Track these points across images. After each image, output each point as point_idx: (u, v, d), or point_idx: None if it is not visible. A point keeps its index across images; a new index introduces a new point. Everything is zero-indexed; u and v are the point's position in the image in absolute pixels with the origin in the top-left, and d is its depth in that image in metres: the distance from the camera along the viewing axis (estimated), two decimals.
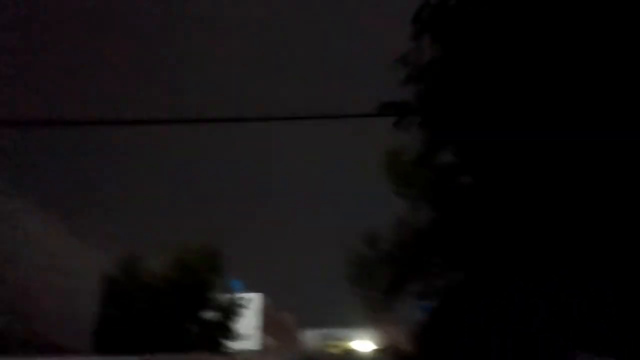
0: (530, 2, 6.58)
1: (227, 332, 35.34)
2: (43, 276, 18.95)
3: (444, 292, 20.53)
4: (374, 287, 23.45)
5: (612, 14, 6.04)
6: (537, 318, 9.27)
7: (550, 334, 8.92)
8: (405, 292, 22.83)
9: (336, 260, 24.40)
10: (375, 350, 68.27)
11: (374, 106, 7.65)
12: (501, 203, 7.83)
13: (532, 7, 6.56)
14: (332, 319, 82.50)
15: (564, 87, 6.23)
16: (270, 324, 74.19)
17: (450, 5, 7.57)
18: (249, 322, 47.10)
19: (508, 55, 6.65)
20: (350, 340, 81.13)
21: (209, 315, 34.67)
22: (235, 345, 36.83)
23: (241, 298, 37.19)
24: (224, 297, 35.90)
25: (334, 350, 79.11)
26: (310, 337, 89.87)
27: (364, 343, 76.46)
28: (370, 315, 25.01)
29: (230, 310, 35.51)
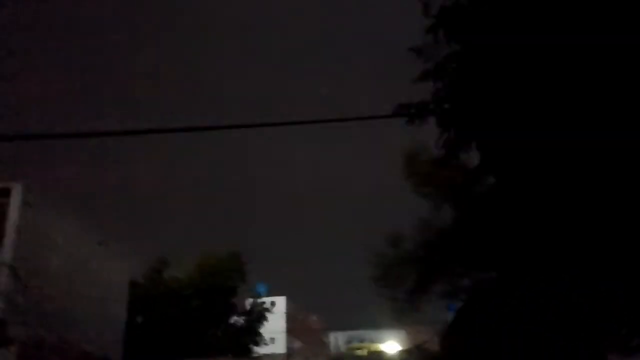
0: None
1: (253, 336, 35.47)
2: (72, 284, 19.21)
3: (469, 292, 20.41)
4: (400, 288, 23.34)
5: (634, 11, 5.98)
6: (555, 318, 9.20)
7: (568, 333, 8.84)
8: (431, 292, 22.70)
9: (361, 262, 24.27)
10: (402, 351, 67.98)
11: (393, 106, 7.65)
12: (524, 202, 7.79)
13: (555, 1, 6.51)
14: (358, 321, 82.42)
15: (591, 84, 6.17)
16: (296, 326, 74.39)
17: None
18: (275, 326, 47.22)
19: (530, 51, 6.60)
20: (377, 341, 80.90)
21: (235, 319, 34.84)
22: (261, 349, 36.96)
23: (267, 302, 37.32)
24: (249, 301, 36.06)
25: (360, 352, 78.93)
26: (337, 339, 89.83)
27: (390, 344, 76.19)
28: (397, 316, 24.84)
29: (256, 314, 35.63)
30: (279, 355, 65.85)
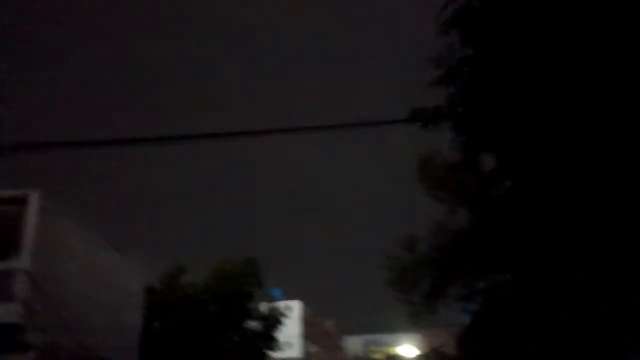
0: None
1: (269, 340, 35.47)
2: (89, 291, 19.34)
3: (485, 295, 20.30)
4: (415, 291, 23.27)
5: None
6: (571, 320, 9.11)
7: (584, 336, 8.75)
8: (446, 295, 22.61)
9: (376, 266, 24.24)
10: (418, 355, 67.66)
11: (408, 111, 7.63)
12: (540, 205, 7.73)
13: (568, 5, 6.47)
14: (373, 325, 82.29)
15: (604, 86, 6.13)
16: (311, 331, 74.25)
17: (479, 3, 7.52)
18: (290, 330, 47.19)
19: (546, 55, 6.56)
20: (393, 345, 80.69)
21: (251, 324, 34.85)
22: (277, 353, 36.95)
23: (282, 306, 37.30)
24: (265, 306, 36.07)
25: (377, 356, 78.63)
26: (353, 343, 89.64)
27: (407, 348, 75.94)
28: (412, 319, 24.75)
29: (272, 319, 35.63)
30: (296, 359, 65.80)
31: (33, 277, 16.58)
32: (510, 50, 6.90)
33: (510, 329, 13.22)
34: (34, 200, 17.52)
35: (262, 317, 35.35)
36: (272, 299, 37.74)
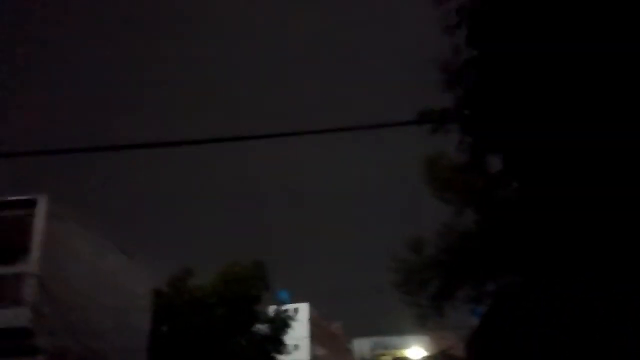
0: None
1: (276, 344, 35.47)
2: (97, 294, 19.39)
3: (494, 296, 20.21)
4: (423, 294, 23.21)
5: None
6: (582, 322, 9.05)
7: (595, 337, 8.69)
8: (455, 297, 22.53)
9: (383, 268, 24.18)
10: (427, 357, 67.40)
11: (409, 112, 7.63)
12: (548, 205, 7.70)
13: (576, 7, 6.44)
14: (381, 327, 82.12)
15: (612, 85, 6.09)
16: (319, 333, 74.21)
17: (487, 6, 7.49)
18: (298, 333, 47.19)
19: (553, 56, 6.53)
20: (402, 347, 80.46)
21: (259, 327, 34.87)
22: (285, 356, 36.95)
23: (290, 309, 37.31)
24: (272, 309, 36.08)
25: (385, 359, 78.34)
26: (361, 346, 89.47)
27: (415, 350, 75.69)
28: (420, 321, 24.67)
29: (279, 322, 35.63)
30: None
31: (42, 281, 16.64)
32: (517, 50, 6.88)
33: (519, 331, 13.14)
34: (42, 204, 17.60)
35: (270, 320, 35.36)
36: (280, 302, 37.77)
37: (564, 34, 6.41)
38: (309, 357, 66.81)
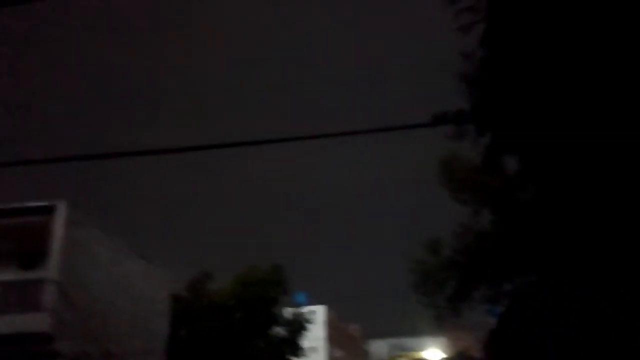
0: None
1: (294, 347, 35.48)
2: (116, 299, 19.55)
3: (511, 296, 20.09)
4: (440, 294, 23.12)
5: None
6: (603, 322, 8.97)
7: (617, 338, 8.60)
8: (472, 298, 22.43)
9: (399, 269, 24.15)
10: (444, 359, 67.06)
11: (429, 115, 7.60)
12: (564, 207, 7.66)
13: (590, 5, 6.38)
14: (398, 329, 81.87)
15: (630, 85, 6.04)
16: (336, 335, 74.12)
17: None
18: (315, 335, 47.20)
19: (572, 54, 6.47)
20: (419, 349, 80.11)
21: (276, 330, 34.91)
22: (302, 359, 36.95)
23: (306, 311, 37.29)
24: (289, 312, 36.11)
25: None
26: (378, 348, 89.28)
27: (432, 352, 75.34)
28: (437, 322, 24.56)
29: (297, 324, 35.64)
30: None
31: (61, 287, 16.83)
32: (534, 47, 6.83)
33: (536, 331, 13.06)
34: (61, 211, 17.79)
35: (287, 323, 35.39)
36: (297, 304, 37.78)
37: (585, 30, 6.35)
38: (326, 359, 66.77)
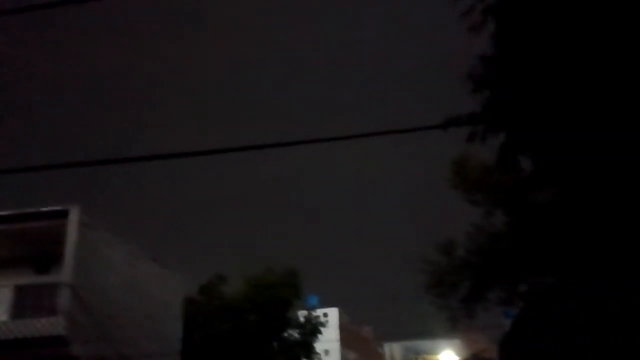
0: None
1: (308, 348, 35.47)
2: (129, 302, 19.61)
3: (526, 298, 19.95)
4: (454, 296, 23.02)
5: None
6: (619, 324, 8.85)
7: (634, 340, 8.48)
8: (486, 299, 22.31)
9: (413, 271, 23.99)
10: None
11: (439, 115, 7.55)
12: (580, 207, 7.58)
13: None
14: (412, 330, 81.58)
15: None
16: (349, 337, 74.05)
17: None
18: (328, 337, 47.14)
19: (586, 54, 6.40)
20: (433, 352, 79.76)
21: (289, 333, 34.92)
22: None
23: (319, 314, 37.27)
24: (303, 314, 36.11)
25: None
26: (392, 350, 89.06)
27: (448, 355, 74.98)
28: (452, 324, 24.44)
29: (310, 327, 35.62)
30: None
31: (75, 290, 16.92)
32: (547, 47, 6.76)
33: (552, 333, 12.94)
34: (75, 215, 17.88)
35: (300, 326, 35.38)
36: (309, 307, 37.76)
37: (600, 28, 6.27)
38: None
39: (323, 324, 36.60)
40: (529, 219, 16.45)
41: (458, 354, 71.08)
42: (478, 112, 7.47)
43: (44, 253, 18.70)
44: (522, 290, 20.98)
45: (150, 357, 19.50)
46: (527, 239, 16.74)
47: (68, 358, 16.38)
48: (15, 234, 18.40)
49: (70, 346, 16.39)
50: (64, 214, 17.88)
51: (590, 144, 6.52)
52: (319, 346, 36.81)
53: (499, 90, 7.43)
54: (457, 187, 21.33)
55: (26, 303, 16.92)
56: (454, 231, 22.99)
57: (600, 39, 6.29)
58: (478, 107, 7.53)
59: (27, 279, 18.36)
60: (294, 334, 34.99)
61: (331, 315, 60.95)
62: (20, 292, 17.18)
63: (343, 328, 72.64)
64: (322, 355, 39.72)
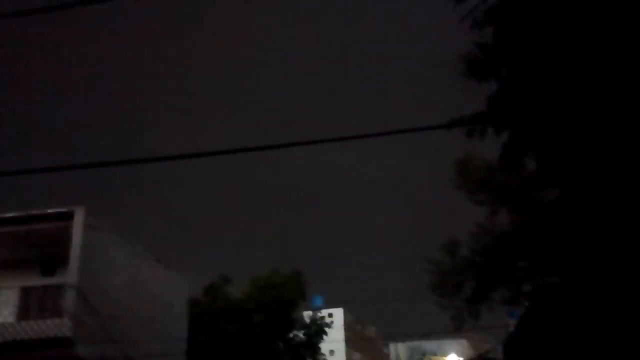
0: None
1: (313, 349, 35.48)
2: (134, 303, 19.64)
3: (531, 297, 19.89)
4: (458, 296, 22.98)
5: None
6: (627, 324, 8.82)
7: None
8: (491, 299, 22.27)
9: (417, 271, 23.97)
10: None
11: (442, 115, 7.55)
12: (586, 207, 7.56)
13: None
14: (417, 331, 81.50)
15: None
16: (354, 338, 73.97)
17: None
18: (333, 337, 47.17)
19: (587, 50, 6.37)
20: (439, 352, 79.65)
21: (295, 333, 34.94)
22: None
23: (325, 314, 37.30)
24: (308, 315, 36.14)
25: None
26: (397, 350, 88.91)
27: (453, 357, 74.87)
28: (457, 324, 24.39)
29: (315, 327, 35.64)
30: None
31: (81, 292, 16.97)
32: (550, 44, 6.74)
33: (558, 334, 12.90)
34: (80, 216, 17.93)
35: (306, 326, 35.41)
36: (314, 308, 37.80)
37: (607, 27, 6.24)
38: None
39: (328, 325, 36.61)
40: (533, 219, 16.41)
41: (464, 356, 70.97)
42: (482, 111, 7.46)
43: (49, 255, 18.75)
44: (526, 290, 20.92)
45: (155, 358, 19.54)
46: (531, 239, 16.70)
47: (74, 359, 16.44)
48: (21, 236, 18.46)
49: (76, 347, 16.44)
50: (69, 216, 17.93)
51: (595, 144, 6.51)
52: (324, 346, 36.83)
53: (503, 89, 7.43)
54: (461, 187, 21.30)
55: (32, 304, 17.00)
56: (458, 231, 22.97)
57: (606, 39, 6.28)
58: (478, 102, 7.54)
59: (33, 280, 18.41)
60: (299, 334, 35.01)
61: (336, 316, 60.96)
62: (26, 294, 17.27)
63: (348, 328, 72.60)
64: (327, 356, 39.73)
